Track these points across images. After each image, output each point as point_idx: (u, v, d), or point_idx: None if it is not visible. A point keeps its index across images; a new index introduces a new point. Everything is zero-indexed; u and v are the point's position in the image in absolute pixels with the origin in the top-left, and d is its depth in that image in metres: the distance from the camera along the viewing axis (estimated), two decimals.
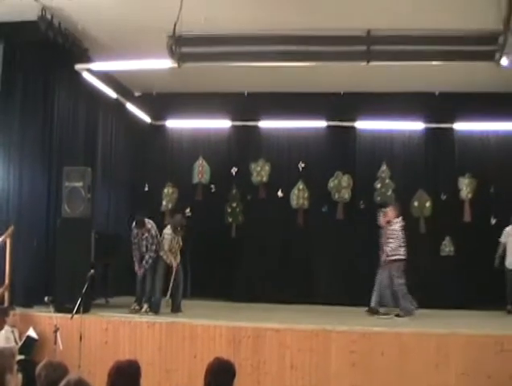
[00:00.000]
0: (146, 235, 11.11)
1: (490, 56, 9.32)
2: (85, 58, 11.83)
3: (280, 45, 9.64)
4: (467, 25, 9.02)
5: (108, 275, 12.52)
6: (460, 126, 14.61)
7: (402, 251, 11.66)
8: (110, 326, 9.92)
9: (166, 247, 11.19)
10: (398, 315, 11.43)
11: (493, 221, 14.15)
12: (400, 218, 12.04)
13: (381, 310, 11.86)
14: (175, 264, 11.20)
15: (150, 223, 11.28)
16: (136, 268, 11.26)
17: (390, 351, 9.25)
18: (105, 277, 12.36)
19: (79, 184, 10.65)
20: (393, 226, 11.85)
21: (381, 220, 12.13)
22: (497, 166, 14.37)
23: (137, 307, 11.09)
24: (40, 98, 11.19)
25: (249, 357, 9.44)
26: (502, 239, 12.96)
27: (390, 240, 11.72)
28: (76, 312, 9.01)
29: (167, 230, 11.34)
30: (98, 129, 13.53)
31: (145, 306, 11.01)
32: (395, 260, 11.62)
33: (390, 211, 12.08)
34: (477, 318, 11.72)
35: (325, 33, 9.44)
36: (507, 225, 13.04)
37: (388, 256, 11.68)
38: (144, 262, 11.10)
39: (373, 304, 11.86)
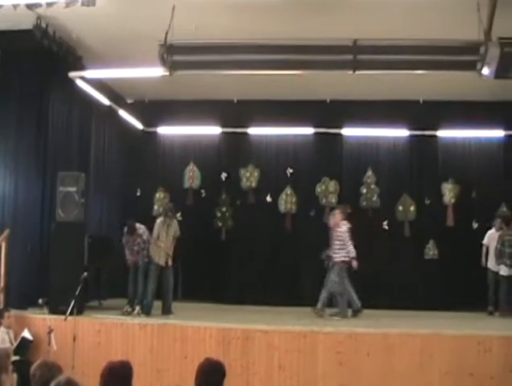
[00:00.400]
0: (139, 240, 11.30)
1: (472, 66, 9.54)
2: (79, 66, 12.03)
3: (269, 54, 9.83)
4: (450, 36, 9.30)
5: (101, 278, 12.61)
6: (443, 133, 14.91)
7: (348, 253, 11.75)
8: (103, 328, 10.05)
9: (155, 234, 11.35)
10: (335, 314, 11.63)
11: (475, 225, 14.50)
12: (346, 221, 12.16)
13: (329, 311, 11.98)
14: (162, 259, 11.37)
15: (141, 229, 11.46)
16: (127, 254, 11.43)
17: (375, 352, 9.44)
18: (97, 279, 12.44)
19: (73, 189, 10.78)
20: (341, 228, 11.92)
21: (331, 222, 12.22)
22: (478, 172, 14.76)
23: (129, 309, 11.22)
24: (35, 105, 11.31)
25: (239, 358, 9.59)
26: (485, 241, 13.28)
27: (337, 242, 11.83)
28: (70, 314, 9.14)
29: (158, 220, 11.55)
30: (91, 135, 13.65)
31: (137, 308, 11.15)
32: (340, 262, 11.74)
33: (338, 214, 12.17)
34: (460, 320, 11.95)
35: (313, 42, 9.70)
36: (489, 229, 13.38)
37: (334, 257, 11.81)
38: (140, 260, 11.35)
39: (319, 305, 11.90)
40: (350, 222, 12.23)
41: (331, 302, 12.21)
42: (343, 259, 11.75)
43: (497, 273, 12.88)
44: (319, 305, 11.87)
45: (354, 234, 12.07)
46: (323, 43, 9.72)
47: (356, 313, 11.80)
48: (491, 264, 13.09)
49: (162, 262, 11.38)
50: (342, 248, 11.76)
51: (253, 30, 9.88)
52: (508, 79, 9.75)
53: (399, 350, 9.43)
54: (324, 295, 11.89)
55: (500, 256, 12.69)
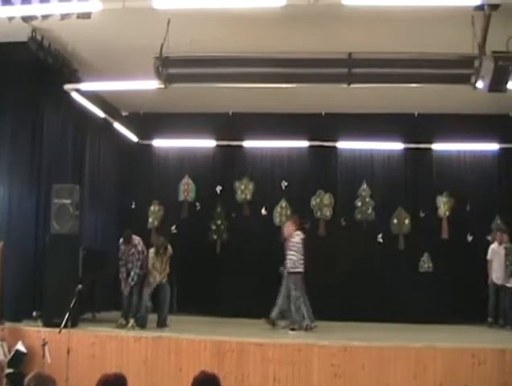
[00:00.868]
0: (133, 250, 11.29)
1: (466, 79, 9.63)
2: (74, 78, 12.06)
3: (264, 67, 9.89)
4: (444, 49, 9.41)
5: (95, 290, 12.58)
6: (438, 146, 14.99)
7: (302, 264, 11.61)
8: (97, 340, 10.00)
9: (149, 265, 11.42)
10: (292, 329, 11.44)
11: (470, 238, 14.57)
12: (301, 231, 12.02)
13: (282, 322, 11.89)
14: (158, 279, 11.41)
15: (136, 239, 11.46)
16: (122, 286, 11.40)
17: (370, 364, 9.41)
18: (92, 292, 12.40)
19: (67, 201, 10.77)
20: (294, 239, 11.77)
21: (285, 233, 12.05)
22: (473, 185, 14.88)
23: (123, 322, 11.18)
24: (30, 117, 11.31)
25: (234, 370, 9.54)
26: (489, 256, 13.31)
27: (291, 253, 11.67)
28: (64, 326, 9.06)
29: (151, 251, 11.58)
30: (86, 147, 13.68)
31: (131, 321, 11.10)
32: (295, 273, 11.56)
33: (290, 225, 12.03)
34: (455, 332, 12.00)
35: (308, 56, 9.78)
36: (484, 242, 13.45)
37: (288, 268, 11.62)
38: (130, 279, 11.25)
39: (273, 315, 11.80)
40: (305, 233, 12.22)
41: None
42: (299, 270, 11.59)
43: (500, 287, 12.99)
44: (273, 314, 11.77)
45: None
46: (318, 56, 9.81)
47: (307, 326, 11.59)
48: (495, 276, 13.13)
49: (156, 282, 11.43)
50: (300, 258, 11.59)
51: (249, 44, 9.99)
52: (502, 92, 9.79)
53: (394, 363, 9.40)
54: (281, 306, 11.75)
55: None
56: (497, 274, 13.12)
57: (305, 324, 11.49)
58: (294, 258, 11.61)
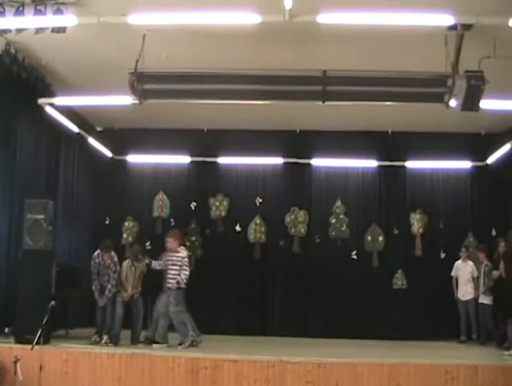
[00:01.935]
0: (109, 262, 11.21)
1: (440, 98, 9.75)
2: (48, 92, 11.99)
3: (239, 84, 9.90)
4: (418, 68, 9.51)
5: (68, 306, 12.48)
6: (411, 164, 15.12)
7: (186, 279, 11.31)
8: (70, 357, 9.86)
9: (122, 275, 11.30)
10: (180, 343, 11.12)
11: (443, 255, 14.67)
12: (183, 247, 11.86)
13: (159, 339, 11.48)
14: (130, 292, 11.29)
15: (112, 252, 11.43)
16: (96, 297, 11.30)
17: (344, 381, 9.40)
18: (65, 308, 12.26)
19: (41, 216, 10.65)
20: (178, 253, 11.47)
21: (169, 248, 11.65)
22: (446, 202, 15.06)
23: (97, 339, 11.09)
24: (3, 131, 11.18)
25: None
26: (453, 273, 13.48)
27: (173, 268, 11.31)
28: (37, 343, 8.93)
29: (125, 263, 11.49)
30: (60, 162, 13.56)
31: (105, 338, 11.00)
32: (178, 289, 11.23)
33: (174, 240, 11.64)
34: (429, 348, 12.04)
35: (283, 73, 9.82)
36: (456, 259, 13.57)
37: (173, 284, 11.26)
38: (107, 291, 11.17)
39: (150, 333, 11.48)
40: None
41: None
42: (182, 286, 11.27)
43: (468, 302, 13.17)
44: (150, 333, 11.43)
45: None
46: (293, 73, 9.86)
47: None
48: (460, 294, 13.28)
49: (128, 295, 11.31)
50: (182, 273, 11.27)
51: (224, 61, 10.03)
52: (474, 111, 9.89)
53: (367, 379, 9.41)
54: (162, 325, 11.41)
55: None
56: (461, 291, 13.32)
57: (192, 339, 11.16)
58: (175, 273, 11.26)
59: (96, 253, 11.40)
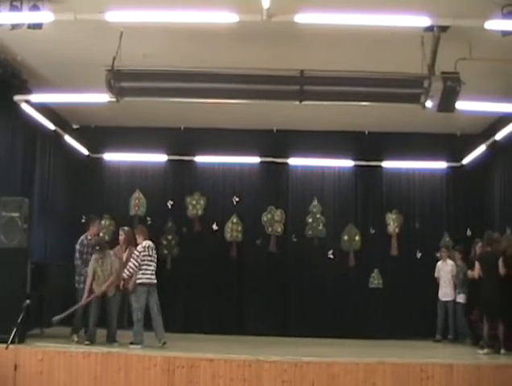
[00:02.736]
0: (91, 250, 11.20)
1: (416, 99, 9.85)
2: (24, 89, 11.81)
3: (216, 82, 9.92)
4: (395, 69, 9.61)
5: (43, 305, 12.38)
6: (387, 164, 15.23)
7: (146, 275, 11.03)
8: (45, 357, 9.74)
9: (90, 274, 10.97)
10: (132, 343, 10.83)
11: (419, 255, 14.81)
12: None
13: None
14: (102, 289, 11.00)
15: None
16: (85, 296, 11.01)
17: (320, 380, 9.39)
18: (40, 306, 12.15)
19: (16, 214, 10.53)
20: (138, 249, 11.17)
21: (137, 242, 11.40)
22: (422, 202, 15.19)
23: (76, 338, 11.02)
24: None
25: None
26: (436, 274, 13.58)
27: (133, 262, 11.05)
28: (11, 342, 8.89)
29: (92, 258, 11.11)
30: (36, 159, 13.45)
31: (82, 336, 10.96)
32: (138, 284, 10.99)
33: (140, 234, 11.38)
34: (405, 347, 12.13)
35: (260, 72, 9.82)
36: (432, 259, 13.71)
37: (127, 279, 11.09)
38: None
39: (157, 336, 11.13)
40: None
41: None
42: (140, 281, 11.01)
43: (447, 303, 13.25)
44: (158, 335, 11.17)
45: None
46: (270, 73, 9.87)
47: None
48: (440, 294, 13.39)
49: (100, 294, 11.00)
50: (144, 269, 11.03)
51: (202, 59, 10.02)
52: (450, 112, 10.00)
53: (343, 378, 9.40)
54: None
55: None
56: (442, 291, 13.39)
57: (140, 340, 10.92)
58: (135, 269, 11.00)
59: (83, 236, 11.51)
